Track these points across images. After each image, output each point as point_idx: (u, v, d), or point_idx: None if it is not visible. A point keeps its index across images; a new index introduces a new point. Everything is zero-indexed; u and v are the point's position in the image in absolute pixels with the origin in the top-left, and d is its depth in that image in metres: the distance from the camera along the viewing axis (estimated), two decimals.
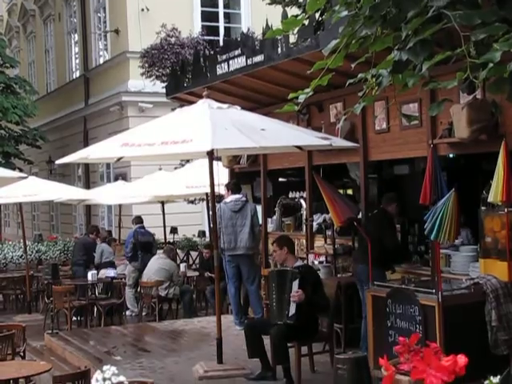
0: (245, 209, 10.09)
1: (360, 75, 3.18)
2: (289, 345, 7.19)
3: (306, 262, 9.27)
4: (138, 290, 12.49)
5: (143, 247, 13.29)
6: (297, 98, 3.20)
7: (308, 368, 7.52)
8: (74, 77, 23.31)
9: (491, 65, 2.30)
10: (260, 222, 10.61)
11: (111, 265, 13.65)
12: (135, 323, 11.78)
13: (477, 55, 2.40)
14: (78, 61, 22.98)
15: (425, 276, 7.55)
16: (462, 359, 1.58)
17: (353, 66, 3.34)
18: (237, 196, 10.20)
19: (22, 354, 7.88)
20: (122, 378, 1.54)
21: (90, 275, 12.60)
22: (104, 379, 1.53)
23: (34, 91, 22.48)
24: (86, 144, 19.75)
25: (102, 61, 21.21)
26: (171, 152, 7.65)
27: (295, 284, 7.16)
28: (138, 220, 13.93)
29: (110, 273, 13.22)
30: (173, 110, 10.84)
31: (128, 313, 12.82)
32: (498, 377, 1.74)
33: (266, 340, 7.29)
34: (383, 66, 2.99)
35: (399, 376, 2.78)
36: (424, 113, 7.52)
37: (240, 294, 10.35)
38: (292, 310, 7.11)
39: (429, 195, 6.94)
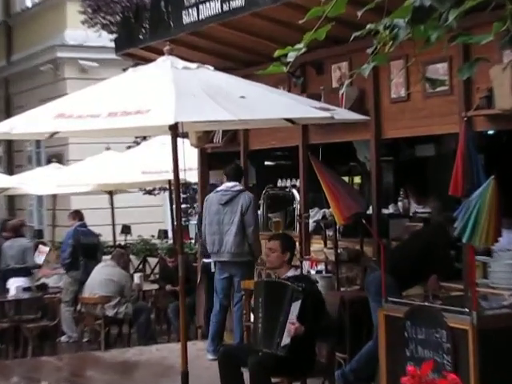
0: (236, 201, 10.02)
1: (369, 26, 3.19)
2: (275, 380, 7.21)
3: (299, 271, 9.29)
4: (78, 308, 12.48)
5: (85, 252, 13.28)
6: (286, 55, 3.21)
7: None
8: None
9: None
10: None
11: (19, 273, 13.37)
12: (73, 352, 11.76)
13: None
14: None
15: (455, 290, 7.60)
16: None
17: (359, 13, 3.34)
18: (229, 184, 10.16)
19: None
20: None
21: (14, 288, 12.58)
22: None
23: None
24: (8, 114, 19.62)
25: (29, 4, 21.07)
26: (122, 126, 7.64)
27: (295, 306, 7.12)
28: (78, 216, 13.90)
29: (19, 284, 12.94)
30: (124, 70, 10.89)
31: (64, 338, 12.80)
32: None
33: (247, 373, 7.30)
34: (399, 15, 3.00)
35: None
36: (455, 76, 7.53)
37: (224, 315, 10.33)
38: (286, 339, 7.11)
39: (461, 184, 6.99)
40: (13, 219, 16.00)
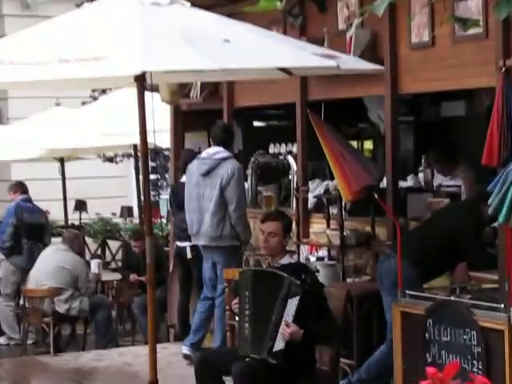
0: (216, 172, 9.96)
1: None
2: None
3: (296, 257, 9.32)
4: (21, 303, 12.51)
5: (30, 232, 13.31)
6: None
7: None
8: None
9: None
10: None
11: None
12: (16, 357, 11.79)
13: None
14: None
15: (488, 282, 7.64)
16: None
17: None
18: (210, 150, 10.13)
19: None
20: None
21: None
22: None
23: None
24: None
25: None
26: (75, 76, 7.63)
27: (292, 303, 7.10)
28: (20, 189, 13.91)
29: None
30: (78, 6, 10.85)
31: (4, 340, 12.84)
32: None
33: (230, 383, 7.35)
34: None
35: None
36: (491, 16, 7.56)
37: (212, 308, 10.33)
38: (279, 343, 7.11)
39: (497, 152, 7.01)
40: None
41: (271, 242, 7.41)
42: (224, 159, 10.00)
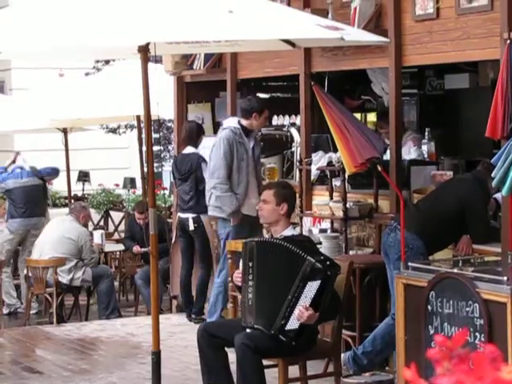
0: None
1: None
2: (268, 363, 7.28)
3: (298, 230, 9.32)
4: (24, 273, 12.53)
5: (31, 194, 13.39)
6: None
7: None
8: None
9: None
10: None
11: None
12: (18, 326, 11.81)
13: None
14: None
15: (491, 254, 7.64)
16: None
17: None
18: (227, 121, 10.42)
19: None
20: None
21: None
22: None
23: None
24: None
25: None
26: (79, 45, 7.62)
27: (312, 287, 7.08)
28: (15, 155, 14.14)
29: None
30: None
31: (4, 310, 12.86)
32: None
33: (232, 354, 7.36)
34: None
35: None
36: None
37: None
38: (293, 323, 7.11)
39: (501, 124, 7.01)
40: None
41: (264, 208, 7.53)
42: (224, 129, 10.26)
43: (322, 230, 9.60)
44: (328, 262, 7.20)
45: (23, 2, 8.99)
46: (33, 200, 13.71)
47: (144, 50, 7.57)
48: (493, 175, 6.90)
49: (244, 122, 10.08)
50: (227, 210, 9.87)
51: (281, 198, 7.53)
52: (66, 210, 13.45)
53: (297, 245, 7.32)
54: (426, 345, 6.45)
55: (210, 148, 10.70)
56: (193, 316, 10.66)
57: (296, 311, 7.06)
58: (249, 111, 10.14)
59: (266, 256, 7.40)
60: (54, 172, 14.33)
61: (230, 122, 10.21)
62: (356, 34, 7.96)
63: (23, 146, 17.06)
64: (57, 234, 12.25)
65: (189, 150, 11.17)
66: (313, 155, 10.16)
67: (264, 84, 12.30)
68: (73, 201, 14.93)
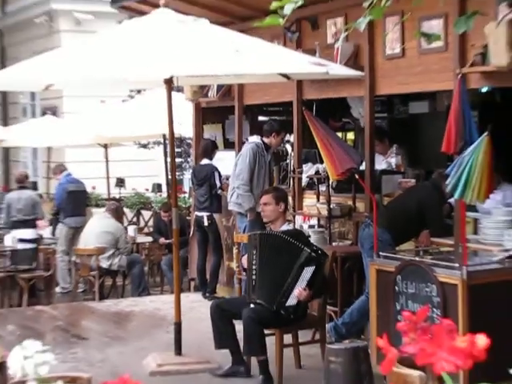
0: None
1: None
2: (267, 332, 7.26)
3: (292, 225, 9.31)
4: (73, 259, 12.53)
5: (75, 198, 13.41)
6: (282, 8, 3.19)
7: (292, 362, 7.60)
8: None
9: None
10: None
11: (26, 224, 13.38)
12: (68, 302, 11.81)
13: None
14: None
15: (445, 246, 7.63)
16: (482, 340, 1.62)
17: None
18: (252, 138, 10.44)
19: None
20: (49, 357, 1.57)
21: (10, 239, 12.63)
22: (25, 357, 1.55)
23: None
24: (2, 66, 19.53)
25: None
26: (117, 78, 7.61)
27: (308, 271, 7.13)
28: (60, 168, 14.11)
29: (22, 235, 13.02)
30: (119, 22, 10.77)
31: (58, 289, 12.85)
32: None
33: (239, 326, 7.35)
34: None
35: (405, 369, 2.82)
36: (450, 33, 7.51)
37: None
38: (292, 300, 7.13)
39: (454, 141, 6.99)
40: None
41: (266, 210, 7.66)
42: (249, 143, 10.28)
43: (311, 226, 9.59)
44: (320, 252, 7.31)
45: (72, 44, 8.99)
46: (82, 202, 13.74)
47: (168, 82, 7.58)
48: (447, 182, 6.89)
49: (265, 140, 10.14)
50: (246, 207, 9.89)
51: (278, 198, 7.61)
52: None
53: (293, 237, 7.37)
54: (394, 318, 6.45)
55: (224, 160, 10.76)
56: (207, 294, 10.66)
57: (295, 291, 7.12)
58: (270, 131, 10.22)
59: (267, 245, 7.43)
60: None
61: (254, 139, 10.26)
62: (338, 69, 7.95)
63: (72, 158, 17.04)
64: (98, 228, 12.25)
65: (205, 161, 11.17)
66: (303, 166, 10.15)
67: (264, 109, 12.29)
68: (111, 201, 14.88)
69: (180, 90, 10.94)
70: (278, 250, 7.32)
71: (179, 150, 16.59)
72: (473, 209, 7.63)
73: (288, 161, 10.74)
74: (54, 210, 14.11)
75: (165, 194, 16.52)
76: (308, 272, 7.13)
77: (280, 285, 7.17)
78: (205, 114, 11.91)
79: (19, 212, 13.31)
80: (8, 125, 19.67)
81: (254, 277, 7.38)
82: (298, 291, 7.08)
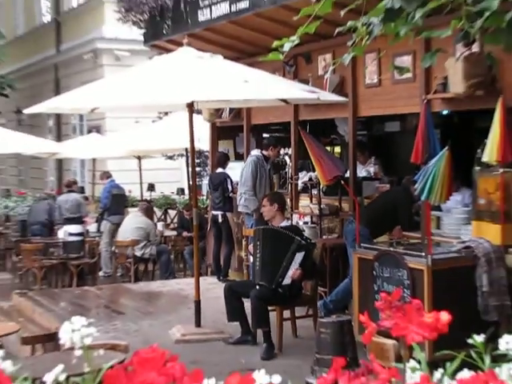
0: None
1: (350, 23, 3.17)
2: (270, 308, 7.26)
3: (290, 222, 9.31)
4: (113, 249, 12.54)
5: (117, 200, 13.43)
6: (282, 46, 3.18)
7: (290, 332, 7.60)
8: (45, 21, 22.99)
9: (488, 13, 2.30)
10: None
11: (74, 221, 13.43)
12: (109, 284, 11.82)
13: (473, 3, 2.40)
14: (48, 3, 22.66)
15: (414, 239, 7.61)
16: (444, 316, 1.61)
17: (342, 13, 3.32)
18: (253, 151, 10.43)
19: None
20: (92, 330, 1.56)
21: (62, 233, 12.66)
22: (73, 330, 1.55)
23: (1, 35, 22.12)
24: (57, 93, 19.54)
25: (74, 4, 20.90)
26: (149, 103, 7.62)
27: (299, 256, 7.21)
28: (106, 175, 14.21)
29: (71, 230, 13.06)
30: (150, 58, 10.76)
31: (101, 273, 12.86)
32: (483, 336, 1.78)
33: (247, 303, 7.35)
34: (374, 14, 2.98)
35: (382, 339, 2.83)
36: (417, 67, 7.51)
37: None
38: (287, 280, 7.21)
39: (421, 154, 6.97)
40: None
41: (264, 210, 7.79)
42: (251, 156, 10.24)
43: (305, 223, 9.58)
44: (309, 241, 7.40)
45: (112, 75, 9.01)
46: (123, 203, 13.77)
47: (190, 106, 7.59)
48: (415, 187, 6.88)
49: (264, 152, 10.14)
50: (251, 208, 9.90)
51: (272, 200, 7.69)
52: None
53: (290, 231, 7.42)
54: (373, 298, 6.43)
55: (235, 169, 10.77)
56: (221, 278, 10.64)
57: (289, 272, 7.16)
58: (268, 145, 10.26)
59: (268, 237, 7.49)
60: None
61: (255, 152, 10.26)
62: (327, 96, 7.95)
63: (113, 167, 17.02)
64: (133, 224, 12.25)
65: (219, 170, 11.16)
66: (299, 174, 10.15)
67: (268, 128, 12.28)
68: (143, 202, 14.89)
69: (199, 112, 10.91)
70: (276, 240, 7.39)
71: (198, 160, 16.54)
72: (437, 208, 7.62)
73: (286, 169, 10.73)
74: (99, 210, 14.19)
75: (187, 197, 16.49)
76: (299, 257, 7.22)
77: (277, 267, 7.25)
78: (219, 132, 11.91)
79: (67, 211, 13.44)
80: (61, 141, 19.70)
81: (257, 262, 7.47)
82: (292, 272, 7.19)
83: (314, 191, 9.55)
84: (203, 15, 9.23)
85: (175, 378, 1.50)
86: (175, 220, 16.13)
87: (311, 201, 9.64)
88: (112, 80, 8.31)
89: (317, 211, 9.28)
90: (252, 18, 8.47)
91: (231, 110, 10.97)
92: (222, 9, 8.80)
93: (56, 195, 16.10)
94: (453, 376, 1.71)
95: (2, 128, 15.23)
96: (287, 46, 3.13)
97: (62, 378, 1.60)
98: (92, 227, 14.01)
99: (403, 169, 9.12)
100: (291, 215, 9.75)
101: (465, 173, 7.47)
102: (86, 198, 15.89)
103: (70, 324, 1.56)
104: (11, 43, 24.34)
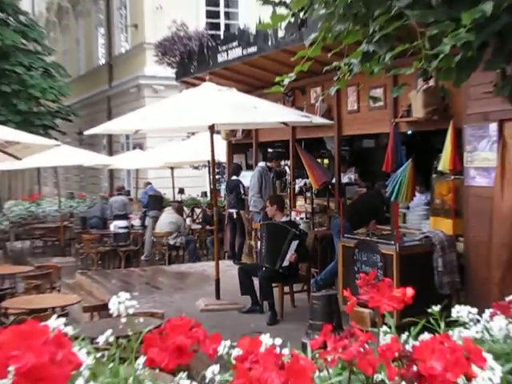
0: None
1: (335, 63, 3.15)
2: (273, 285, 7.25)
3: (289, 218, 9.28)
4: (152, 238, 12.54)
5: (155, 200, 13.49)
6: (283, 81, 3.18)
7: (289, 303, 7.57)
8: (100, 64, 23.10)
9: (442, 56, 2.29)
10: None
11: (121, 217, 13.48)
12: (149, 266, 11.82)
13: (430, 48, 2.39)
14: (103, 50, 22.79)
15: (386, 230, 7.59)
16: (409, 291, 1.60)
17: (329, 55, 3.31)
18: (260, 163, 10.41)
19: (58, 288, 7.97)
20: (134, 302, 1.56)
21: (113, 226, 12.69)
22: (119, 303, 1.54)
23: (67, 75, 22.21)
24: (109, 118, 19.57)
25: (123, 50, 20.98)
26: (179, 125, 7.62)
27: (294, 244, 7.21)
28: (148, 182, 14.56)
29: (119, 224, 13.15)
30: (180, 91, 10.78)
31: (143, 257, 12.87)
32: (439, 306, 1.77)
33: (256, 281, 7.33)
34: (354, 56, 2.96)
35: (361, 309, 2.82)
36: (388, 97, 7.49)
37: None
38: (286, 262, 7.21)
39: (390, 164, 6.96)
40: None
41: (267, 209, 7.81)
42: (257, 167, 10.24)
43: (301, 218, 9.55)
44: (302, 232, 7.37)
45: (152, 104, 9.00)
46: (159, 202, 13.76)
47: (211, 127, 7.58)
48: (387, 190, 6.86)
49: (269, 164, 10.18)
50: (259, 207, 9.94)
51: (272, 202, 7.70)
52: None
53: (288, 224, 7.39)
54: (354, 277, 6.42)
55: (246, 177, 10.75)
56: (235, 261, 10.61)
57: (288, 256, 7.13)
58: (271, 158, 10.34)
59: (270, 230, 7.46)
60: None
61: (262, 163, 10.29)
62: (318, 119, 7.94)
63: (152, 175, 17.05)
64: (167, 219, 12.21)
65: (234, 177, 11.16)
66: (296, 180, 10.14)
67: (271, 144, 12.27)
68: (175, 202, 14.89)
69: (218, 132, 10.91)
70: (277, 232, 7.37)
71: (217, 170, 16.52)
72: (404, 206, 7.60)
73: (286, 177, 10.73)
74: (143, 209, 14.21)
75: (209, 198, 16.50)
76: (294, 244, 7.20)
77: (278, 253, 7.23)
78: (234, 148, 11.91)
79: (116, 209, 13.53)
80: (112, 155, 19.69)
81: (263, 249, 7.44)
82: (289, 255, 7.16)
83: (308, 194, 9.55)
84: (221, 57, 9.24)
85: (199, 340, 1.49)
86: (200, 216, 16.12)
87: (305, 201, 9.63)
88: (151, 108, 8.32)
89: (310, 209, 9.27)
90: (259, 59, 8.47)
91: (243, 130, 10.97)
92: (236, 53, 8.81)
93: (108, 197, 16.12)
94: (416, 338, 1.70)
95: (67, 146, 15.25)
96: (286, 81, 3.12)
97: (111, 339, 1.59)
98: (136, 222, 14.03)
99: (377, 176, 9.10)
100: (290, 212, 9.73)
101: (425, 179, 7.46)
102: (131, 200, 15.93)
103: (117, 298, 1.55)
104: (75, 81, 24.41)
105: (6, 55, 18.47)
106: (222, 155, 11.99)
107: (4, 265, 10.89)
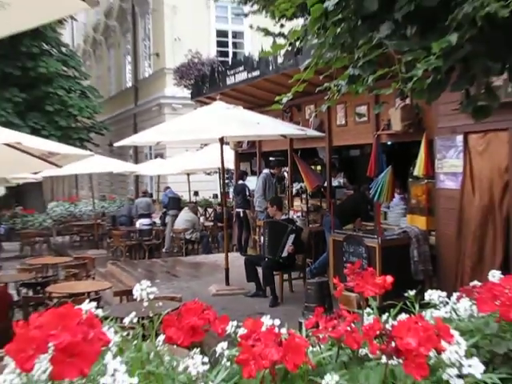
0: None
1: (326, 85, 3.15)
2: (275, 273, 7.23)
3: (288, 216, 9.27)
4: (171, 234, 12.53)
5: (173, 202, 13.50)
6: (281, 100, 3.18)
7: (288, 289, 7.55)
8: (128, 86, 23.21)
9: (416, 78, 2.30)
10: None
11: (146, 216, 13.48)
12: (169, 257, 11.81)
13: (406, 72, 2.39)
14: (130, 75, 22.94)
15: (370, 226, 7.57)
16: (389, 278, 1.59)
17: (321, 78, 3.32)
18: (264, 170, 10.33)
19: (92, 276, 7.99)
20: (154, 289, 1.56)
21: (138, 224, 12.70)
22: (141, 289, 1.55)
23: (100, 96, 22.33)
24: (135, 132, 19.61)
25: (147, 75, 21.06)
26: (194, 138, 7.62)
27: (291, 237, 7.20)
28: (166, 187, 14.48)
29: (144, 222, 13.17)
30: (195, 109, 10.76)
31: (164, 250, 12.86)
32: (414, 291, 1.76)
33: (259, 269, 7.32)
34: (342, 78, 2.96)
35: (348, 293, 2.81)
36: (371, 113, 7.48)
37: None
38: (285, 253, 7.20)
39: (373, 170, 6.95)
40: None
41: (269, 209, 7.75)
42: (262, 173, 10.19)
43: (298, 216, 9.53)
44: (298, 227, 7.36)
45: (171, 120, 8.99)
46: (177, 203, 13.68)
47: (221, 140, 7.57)
48: (370, 192, 6.84)
49: (271, 170, 10.15)
50: (262, 207, 9.91)
51: (272, 204, 7.66)
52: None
53: (286, 221, 7.36)
54: (342, 266, 6.40)
55: (251, 181, 10.75)
56: (242, 253, 10.59)
57: (286, 247, 7.09)
58: (273, 166, 10.33)
59: (271, 226, 7.44)
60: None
61: (265, 170, 10.27)
62: (312, 132, 7.93)
63: (171, 180, 17.04)
64: (184, 218, 12.21)
65: (240, 182, 11.16)
66: (294, 184, 10.12)
67: (273, 153, 12.26)
68: (191, 203, 14.89)
69: (227, 143, 10.91)
70: (276, 228, 7.35)
71: (227, 175, 16.52)
72: (385, 206, 7.58)
73: (285, 181, 10.71)
74: (163, 209, 14.22)
75: (219, 199, 16.50)
76: (291, 238, 7.16)
77: (278, 245, 7.20)
78: (240, 157, 11.90)
79: (141, 209, 13.56)
80: (138, 163, 19.71)
81: (266, 243, 7.41)
82: (288, 247, 7.11)
83: (304, 195, 9.53)
84: (230, 80, 9.24)
85: (210, 321, 1.49)
86: (212, 215, 16.12)
87: (301, 201, 9.61)
88: (170, 123, 8.32)
89: (305, 208, 9.25)
90: (261, 82, 8.46)
91: (248, 142, 10.97)
92: (242, 76, 8.81)
93: (134, 199, 16.14)
94: (394, 318, 1.69)
95: (100, 155, 15.29)
96: (285, 100, 3.12)
97: (135, 320, 1.59)
98: (157, 220, 14.03)
99: (362, 180, 9.07)
100: (288, 211, 9.72)
101: (402, 182, 7.43)
102: (154, 201, 15.92)
103: (140, 285, 1.56)
104: (106, 101, 24.45)
105: (50, 80, 18.73)
106: (230, 163, 11.99)
107: (48, 256, 10.99)
